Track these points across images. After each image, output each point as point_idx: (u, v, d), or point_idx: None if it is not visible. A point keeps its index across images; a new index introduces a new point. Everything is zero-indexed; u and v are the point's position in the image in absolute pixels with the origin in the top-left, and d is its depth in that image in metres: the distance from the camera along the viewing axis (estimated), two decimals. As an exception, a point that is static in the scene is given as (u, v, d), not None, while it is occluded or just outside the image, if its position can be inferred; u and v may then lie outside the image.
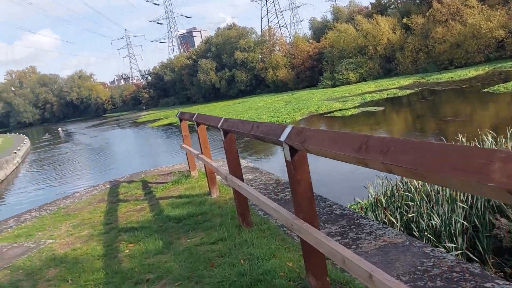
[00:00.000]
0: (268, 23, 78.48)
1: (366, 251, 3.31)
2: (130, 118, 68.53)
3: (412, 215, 6.82)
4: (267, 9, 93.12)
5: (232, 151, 4.11)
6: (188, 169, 8.04)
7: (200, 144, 5.83)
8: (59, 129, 67.36)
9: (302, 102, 36.76)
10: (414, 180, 8.01)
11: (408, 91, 32.35)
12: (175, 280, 3.35)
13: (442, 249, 4.96)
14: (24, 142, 47.91)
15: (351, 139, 1.84)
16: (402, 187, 7.69)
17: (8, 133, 75.81)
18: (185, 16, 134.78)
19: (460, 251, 5.61)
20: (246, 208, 4.21)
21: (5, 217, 9.82)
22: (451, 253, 5.30)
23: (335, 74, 49.30)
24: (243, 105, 46.32)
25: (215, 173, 5.72)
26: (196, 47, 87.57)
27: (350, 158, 1.82)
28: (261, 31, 72.65)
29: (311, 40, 62.73)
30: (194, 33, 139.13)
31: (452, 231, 6.04)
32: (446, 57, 41.45)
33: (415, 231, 6.36)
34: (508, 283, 2.59)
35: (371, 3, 56.18)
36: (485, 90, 24.68)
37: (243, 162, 8.77)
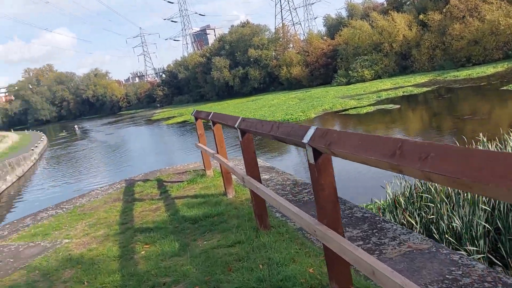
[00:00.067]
0: (282, 20, 78.12)
1: (390, 258, 3.18)
2: (144, 116, 69.03)
3: (432, 216, 6.65)
4: (281, 6, 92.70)
5: (250, 152, 4.01)
6: (203, 168, 7.98)
7: (216, 144, 5.74)
8: (76, 126, 68.22)
9: (316, 100, 36.47)
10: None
11: (425, 89, 31.84)
12: (192, 284, 3.27)
13: (471, 257, 4.79)
14: (42, 139, 48.62)
15: (383, 143, 1.72)
16: (420, 187, 7.52)
17: (26, 130, 77.08)
18: (199, 14, 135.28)
19: (482, 255, 5.43)
20: (264, 210, 4.11)
21: (22, 215, 9.92)
22: (472, 256, 5.13)
23: (350, 72, 48.78)
24: (256, 103, 46.20)
25: (231, 173, 5.64)
26: (209, 45, 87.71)
27: (383, 163, 1.70)
28: (275, 28, 72.36)
29: (325, 37, 62.18)
30: (207, 31, 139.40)
31: (474, 234, 5.87)
32: (464, 54, 40.64)
33: (435, 233, 6.20)
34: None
35: (386, 0, 55.42)
36: (504, 87, 24.11)
37: (258, 161, 8.67)
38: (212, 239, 4.27)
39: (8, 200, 21.13)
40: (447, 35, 42.03)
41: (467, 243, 5.76)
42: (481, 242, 5.66)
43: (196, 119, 7.21)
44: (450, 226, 6.19)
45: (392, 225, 3.79)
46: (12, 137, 52.02)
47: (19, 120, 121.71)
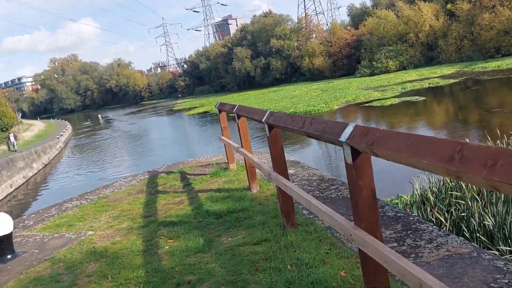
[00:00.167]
0: (305, 10, 77.04)
1: (427, 262, 2.99)
2: (166, 106, 69.59)
3: (462, 214, 6.41)
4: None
5: (277, 147, 3.86)
6: (226, 161, 7.87)
7: (240, 137, 5.62)
8: (99, 115, 69.38)
9: (339, 91, 35.96)
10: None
11: (451, 80, 30.99)
12: (218, 284, 3.17)
13: (504, 257, 4.55)
14: (66, 128, 49.62)
15: (438, 145, 1.54)
16: (449, 183, 7.26)
17: (51, 119, 78.87)
18: (221, 4, 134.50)
19: (516, 255, 5.18)
20: (291, 207, 3.97)
21: (47, 203, 10.06)
22: (505, 256, 4.89)
23: (374, 62, 47.88)
24: (278, 94, 45.89)
25: (256, 168, 5.50)
26: (231, 35, 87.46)
27: (437, 168, 1.52)
28: (298, 18, 71.50)
29: (349, 27, 61.14)
30: (229, 21, 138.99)
31: (507, 233, 5.63)
32: (493, 45, 39.28)
33: (465, 231, 5.98)
34: None
35: (413, -11, 53.94)
36: (536, 80, 23.18)
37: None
38: (237, 235, 4.16)
39: (34, 187, 21.64)
40: (476, 25, 40.67)
41: (500, 243, 5.52)
42: (515, 241, 5.42)
43: (220, 111, 7.09)
44: (482, 225, 5.95)
45: (428, 226, 3.60)
46: (39, 125, 53.27)
47: (45, 108, 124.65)
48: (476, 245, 3.25)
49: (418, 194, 7.36)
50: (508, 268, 2.76)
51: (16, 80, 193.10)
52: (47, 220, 6.20)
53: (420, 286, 1.76)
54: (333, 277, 2.91)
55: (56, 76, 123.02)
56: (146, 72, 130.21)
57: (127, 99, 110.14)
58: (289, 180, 3.76)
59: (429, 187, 7.53)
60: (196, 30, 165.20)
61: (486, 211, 6.08)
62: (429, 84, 31.27)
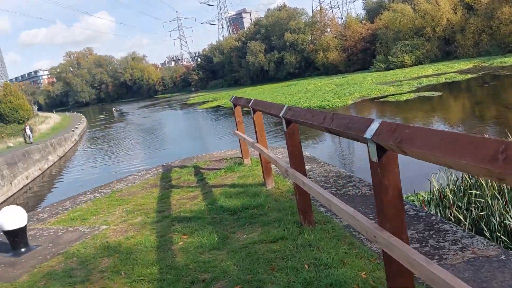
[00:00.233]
0: (320, 3, 76.19)
1: (452, 264, 2.86)
2: (180, 100, 69.81)
3: (482, 213, 6.24)
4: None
5: (295, 143, 3.74)
6: (240, 156, 7.79)
7: (255, 132, 5.52)
8: (113, 109, 69.92)
9: (354, 86, 35.58)
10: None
11: (469, 76, 30.38)
12: (233, 283, 3.08)
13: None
14: (81, 120, 50.14)
15: (479, 144, 1.41)
16: (468, 181, 7.08)
17: (66, 112, 79.79)
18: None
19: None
20: (308, 205, 3.86)
21: (62, 196, 10.11)
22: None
23: (389, 57, 47.21)
24: (291, 88, 45.63)
25: (272, 164, 5.40)
26: (245, 29, 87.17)
27: (477, 169, 1.40)
28: (312, 12, 70.80)
29: (364, 21, 60.36)
30: (243, 15, 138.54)
31: (530, 233, 5.45)
32: (513, 39, 38.38)
33: (485, 231, 5.81)
34: None
35: (430, -19, 52.93)
36: (558, 75, 22.57)
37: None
38: (252, 233, 4.07)
39: (49, 179, 21.90)
40: (495, 19, 39.75)
41: (523, 244, 5.36)
42: (539, 242, 5.25)
43: (235, 105, 6.99)
44: (502, 224, 5.78)
45: (452, 227, 3.45)
46: (54, 118, 53.92)
47: (60, 101, 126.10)
48: (504, 248, 3.10)
49: (436, 191, 7.19)
50: (539, 273, 2.61)
51: (33, 73, 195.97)
52: (61, 213, 6.19)
53: (453, 295, 1.64)
54: (353, 278, 2.80)
55: (71, 70, 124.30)
56: (160, 66, 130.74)
57: (141, 92, 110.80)
58: (306, 176, 3.65)
59: (447, 185, 7.35)
60: (210, 24, 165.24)
61: (508, 210, 5.90)
62: (445, 79, 30.73)
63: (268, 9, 74.18)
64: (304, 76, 63.17)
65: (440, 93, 25.07)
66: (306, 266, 3.10)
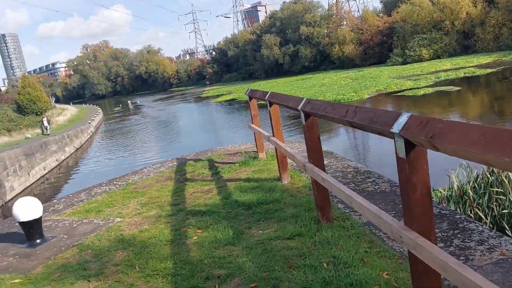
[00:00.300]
0: (336, -4, 75.26)
1: (479, 266, 2.73)
2: (194, 93, 69.97)
3: (504, 211, 6.05)
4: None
5: (314, 137, 3.63)
6: (255, 150, 7.69)
7: (272, 126, 5.40)
8: (129, 101, 70.47)
9: (370, 80, 35.12)
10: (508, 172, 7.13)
11: (488, 70, 29.70)
12: (249, 280, 2.99)
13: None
14: (98, 113, 50.65)
15: (525, 140, 1.28)
16: (489, 178, 6.87)
17: (83, 104, 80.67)
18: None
19: None
20: (327, 201, 3.74)
21: (78, 187, 10.18)
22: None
23: (407, 51, 46.46)
24: (306, 82, 45.28)
25: (288, 158, 5.29)
26: (260, 22, 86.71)
27: (524, 168, 1.27)
28: (328, 5, 69.96)
29: (381, 14, 59.47)
30: (258, 8, 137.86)
31: (555, 232, 5.27)
32: (535, 33, 37.34)
33: (507, 230, 5.64)
34: None
35: (450, -26, 51.75)
36: None
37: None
38: (268, 228, 3.98)
39: (66, 170, 22.17)
40: (517, 12, 38.71)
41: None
42: None
43: (250, 98, 6.87)
44: (527, 223, 5.61)
45: (478, 226, 3.30)
46: (71, 110, 54.57)
47: (77, 94, 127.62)
48: (535, 250, 2.94)
49: (455, 188, 7.01)
50: None
51: (50, 65, 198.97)
52: (76, 205, 6.20)
53: (490, 303, 1.51)
54: (374, 279, 2.68)
55: (88, 62, 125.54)
56: (175, 59, 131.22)
57: (156, 85, 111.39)
58: (325, 172, 3.53)
59: (468, 181, 7.15)
60: (225, 17, 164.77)
61: (532, 208, 5.72)
62: (464, 73, 30.11)
63: (284, 2, 73.56)
64: (319, 69, 62.64)
65: (458, 88, 24.58)
66: (325, 265, 3.00)
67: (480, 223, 3.47)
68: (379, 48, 53.73)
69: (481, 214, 5.97)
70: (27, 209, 4.67)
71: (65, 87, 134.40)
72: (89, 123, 37.44)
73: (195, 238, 4.07)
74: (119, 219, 5.13)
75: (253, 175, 6.07)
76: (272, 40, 68.31)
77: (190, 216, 4.78)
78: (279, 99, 4.73)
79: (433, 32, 45.60)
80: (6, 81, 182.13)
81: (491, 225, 5.78)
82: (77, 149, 28.12)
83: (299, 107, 3.60)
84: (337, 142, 16.34)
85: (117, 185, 7.09)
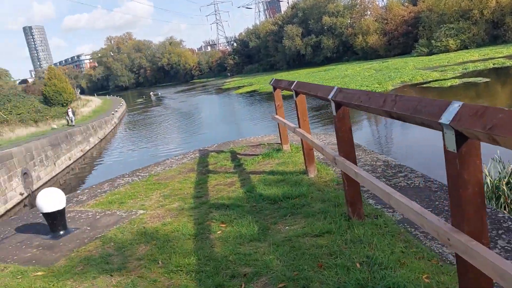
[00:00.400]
0: (360, -15, 73.76)
1: (529, 271, 2.49)
2: (215, 85, 70.01)
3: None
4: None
5: (345, 129, 3.43)
6: (279, 142, 7.52)
7: (298, 117, 5.21)
8: (151, 93, 71.07)
9: (394, 71, 34.31)
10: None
11: (518, 61, 28.59)
12: (277, 279, 2.84)
13: None
14: (121, 104, 51.27)
15: None
16: (524, 172, 6.52)
17: (107, 96, 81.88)
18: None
19: None
20: (358, 196, 3.54)
21: (101, 178, 10.22)
22: None
23: (433, 41, 45.16)
24: (328, 73, 44.63)
25: (314, 150, 5.10)
26: (282, 13, 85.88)
27: None
28: (352, -6, 68.64)
29: (406, 4, 57.93)
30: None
31: None
32: None
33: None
34: None
35: (480, -40, 49.89)
36: None
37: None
38: (295, 224, 3.81)
39: (90, 161, 22.49)
40: (552, 0, 37.05)
41: None
42: None
43: (275, 88, 6.68)
44: None
45: (524, 226, 3.06)
46: (95, 101, 55.45)
47: (101, 85, 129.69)
48: None
49: (488, 183, 6.68)
50: None
51: (76, 57, 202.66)
52: (99, 196, 6.17)
53: None
54: (413, 282, 2.48)
55: (112, 54, 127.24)
56: (196, 51, 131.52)
57: (178, 77, 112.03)
58: (356, 165, 3.34)
59: (503, 176, 6.81)
60: (247, 8, 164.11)
61: None
62: (493, 64, 29.09)
63: (306, -8, 72.46)
64: (342, 60, 61.66)
65: (487, 79, 23.76)
66: (358, 265, 2.82)
67: (527, 223, 3.21)
68: (404, 39, 52.45)
69: (516, 211, 5.67)
70: (51, 200, 4.63)
71: (90, 79, 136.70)
72: (113, 114, 37.90)
73: (219, 232, 3.94)
74: (141, 211, 5.05)
75: (278, 168, 5.90)
76: (294, 30, 67.54)
77: (213, 209, 4.66)
78: (306, 89, 4.53)
79: (460, 22, 44.15)
80: (33, 72, 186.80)
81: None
82: (101, 139, 28.51)
83: (330, 97, 3.40)
84: (357, 133, 15.97)
85: (140, 177, 7.05)
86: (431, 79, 26.78)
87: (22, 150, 16.21)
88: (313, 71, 52.97)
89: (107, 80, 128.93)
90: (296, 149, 6.82)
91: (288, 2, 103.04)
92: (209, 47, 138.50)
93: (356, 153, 5.92)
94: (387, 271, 2.64)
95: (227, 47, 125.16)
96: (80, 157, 22.92)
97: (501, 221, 3.20)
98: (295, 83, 5.09)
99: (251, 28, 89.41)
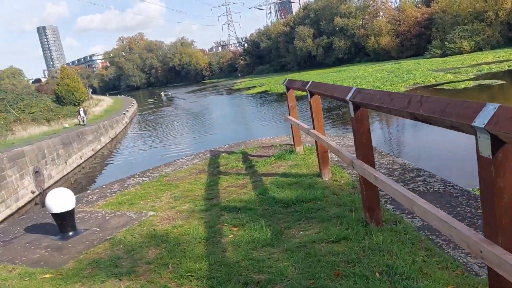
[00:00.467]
0: (372, -14, 73.20)
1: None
2: (226, 85, 70.04)
3: None
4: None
5: (363, 131, 3.29)
6: (291, 143, 7.40)
7: (312, 118, 5.08)
8: (162, 93, 71.36)
9: (407, 73, 33.92)
10: None
11: (535, 63, 28.07)
12: (292, 288, 2.72)
13: None
14: (132, 104, 51.52)
15: None
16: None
17: (118, 95, 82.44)
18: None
19: None
20: (376, 201, 3.40)
21: (111, 177, 10.19)
22: None
23: (446, 43, 44.55)
24: (340, 74, 44.32)
25: (329, 153, 4.96)
26: (293, 14, 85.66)
27: None
28: (364, -5, 68.15)
29: (420, 5, 57.32)
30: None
31: None
32: None
33: None
34: None
35: (495, -39, 49.14)
36: None
37: (352, 138, 7.88)
38: (310, 229, 3.68)
39: (101, 160, 22.57)
40: None
41: None
42: None
43: (288, 89, 6.56)
44: None
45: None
46: (107, 101, 55.80)
47: (113, 85, 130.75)
48: None
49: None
50: None
51: (88, 57, 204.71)
52: (109, 196, 6.10)
53: None
54: (438, 295, 2.34)
55: (123, 54, 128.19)
56: (207, 51, 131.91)
57: (189, 77, 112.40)
58: (375, 169, 3.20)
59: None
60: (258, 9, 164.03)
61: None
62: (508, 66, 28.58)
63: (318, -7, 72.14)
64: (353, 62, 61.23)
65: (502, 82, 23.34)
66: (377, 275, 2.68)
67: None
68: (417, 40, 51.88)
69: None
70: (60, 200, 4.56)
71: (102, 79, 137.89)
72: (124, 114, 38.07)
73: (230, 236, 3.83)
74: (151, 213, 4.96)
75: (290, 170, 5.78)
76: (306, 31, 67.27)
77: (225, 212, 4.55)
78: (322, 89, 4.40)
79: (475, 23, 43.52)
80: (46, 72, 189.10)
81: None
82: (112, 139, 28.63)
83: (348, 98, 3.27)
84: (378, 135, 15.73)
85: (150, 177, 6.97)
86: (444, 81, 26.41)
87: (34, 148, 16.30)
88: (324, 72, 52.67)
89: (118, 80, 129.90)
90: (309, 151, 6.69)
91: (299, 3, 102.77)
92: (220, 48, 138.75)
93: (371, 156, 5.77)
94: (409, 282, 2.50)
95: (238, 48, 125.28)
96: (91, 156, 23.02)
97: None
98: (310, 83, 4.96)
99: (262, 29, 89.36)
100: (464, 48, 42.86)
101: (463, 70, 30.17)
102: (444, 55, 43.82)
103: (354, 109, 3.27)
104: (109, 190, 6.54)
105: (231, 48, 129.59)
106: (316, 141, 5.10)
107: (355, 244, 3.16)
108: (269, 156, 6.91)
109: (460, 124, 1.83)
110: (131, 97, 70.39)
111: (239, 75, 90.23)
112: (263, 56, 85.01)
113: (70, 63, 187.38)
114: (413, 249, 2.94)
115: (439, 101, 2.05)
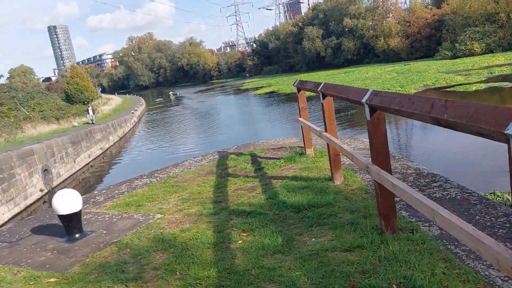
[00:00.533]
0: (382, -13, 72.74)
1: None
2: (234, 85, 70.00)
3: None
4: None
5: (380, 135, 3.16)
6: (301, 146, 7.27)
7: (324, 120, 4.96)
8: (170, 93, 71.53)
9: (417, 74, 33.60)
10: None
11: (548, 65, 27.63)
12: (305, 299, 2.60)
13: None
14: (141, 103, 51.66)
15: None
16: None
17: (127, 95, 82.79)
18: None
19: None
20: (393, 209, 3.27)
21: (119, 177, 10.13)
22: None
23: (457, 44, 44.08)
24: (349, 75, 44.05)
25: (341, 156, 4.83)
26: (302, 14, 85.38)
27: None
28: (374, -4, 67.74)
29: (430, 6, 56.83)
30: (301, 0, 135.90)
31: None
32: None
33: None
34: None
35: (508, -38, 48.52)
36: None
37: (363, 141, 7.73)
38: (322, 236, 3.56)
39: (109, 159, 22.60)
40: None
41: None
42: None
43: (299, 90, 6.44)
44: None
45: None
46: (116, 100, 56.06)
47: (122, 84, 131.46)
48: None
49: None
50: None
51: (98, 56, 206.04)
52: (116, 198, 6.03)
53: None
54: (460, 311, 2.21)
55: (133, 54, 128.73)
56: (216, 51, 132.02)
57: (197, 77, 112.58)
58: (392, 174, 3.07)
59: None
60: (267, 9, 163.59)
61: None
62: (520, 69, 28.20)
63: (327, -6, 71.85)
64: (362, 63, 60.87)
65: (514, 84, 23.00)
66: (395, 287, 2.55)
67: None
68: (427, 42, 51.43)
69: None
70: (67, 202, 4.49)
71: (111, 78, 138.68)
72: (132, 113, 38.16)
73: (240, 242, 3.72)
74: (159, 216, 4.88)
75: (301, 173, 5.66)
76: (315, 32, 67.00)
77: (234, 216, 4.45)
78: (335, 91, 4.27)
79: (486, 25, 43.02)
80: (56, 71, 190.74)
81: None
82: (120, 138, 28.68)
83: (364, 100, 3.15)
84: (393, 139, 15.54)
85: (158, 178, 6.90)
86: (454, 83, 26.10)
87: (43, 146, 16.34)
88: (333, 73, 52.42)
89: (127, 79, 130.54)
90: (320, 154, 6.56)
91: (308, 4, 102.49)
92: (228, 48, 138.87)
93: (384, 160, 5.63)
94: (429, 296, 2.38)
95: (247, 48, 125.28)
96: (100, 155, 23.06)
97: (554, 241, 2.89)
98: (322, 84, 4.84)
99: (271, 29, 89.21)
100: (475, 50, 42.38)
101: (474, 72, 29.81)
102: (454, 57, 43.39)
103: (371, 112, 3.14)
104: (116, 191, 6.47)
105: (240, 48, 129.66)
106: (328, 144, 4.97)
107: (370, 253, 3.03)
108: (278, 158, 6.80)
109: (490, 131, 1.71)
110: (139, 96, 70.62)
111: (247, 75, 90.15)
112: (271, 56, 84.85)
113: (80, 62, 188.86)
114: (431, 259, 2.81)
115: (466, 106, 1.93)
